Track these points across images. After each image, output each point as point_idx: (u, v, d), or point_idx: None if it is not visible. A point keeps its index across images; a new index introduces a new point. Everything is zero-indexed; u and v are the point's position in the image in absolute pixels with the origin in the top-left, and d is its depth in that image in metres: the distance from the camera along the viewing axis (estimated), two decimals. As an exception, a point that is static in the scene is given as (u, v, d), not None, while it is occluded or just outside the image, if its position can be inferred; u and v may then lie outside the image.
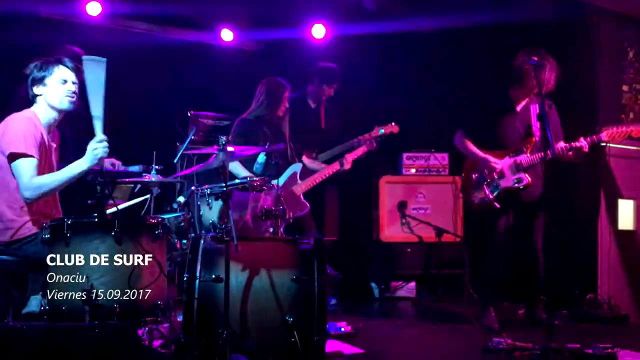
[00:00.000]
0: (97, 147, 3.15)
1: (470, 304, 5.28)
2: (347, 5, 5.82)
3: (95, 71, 3.16)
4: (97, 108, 3.17)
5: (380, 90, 6.21)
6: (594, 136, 4.27)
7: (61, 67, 3.37)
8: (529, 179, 4.38)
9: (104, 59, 3.23)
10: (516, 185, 4.41)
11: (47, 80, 3.35)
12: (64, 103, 3.36)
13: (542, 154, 4.28)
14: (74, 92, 3.38)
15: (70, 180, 3.25)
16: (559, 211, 5.12)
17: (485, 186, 4.49)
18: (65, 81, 3.36)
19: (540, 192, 4.44)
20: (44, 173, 3.25)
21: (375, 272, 6.04)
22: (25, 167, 3.16)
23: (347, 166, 5.08)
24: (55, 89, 3.35)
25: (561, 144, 4.28)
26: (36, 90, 3.36)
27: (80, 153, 4.38)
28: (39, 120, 3.34)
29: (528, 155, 4.40)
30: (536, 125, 4.44)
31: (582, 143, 4.23)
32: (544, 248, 4.53)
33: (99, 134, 3.15)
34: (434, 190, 6.02)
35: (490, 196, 4.45)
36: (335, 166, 5.07)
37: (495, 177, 4.46)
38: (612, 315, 4.73)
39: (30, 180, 3.15)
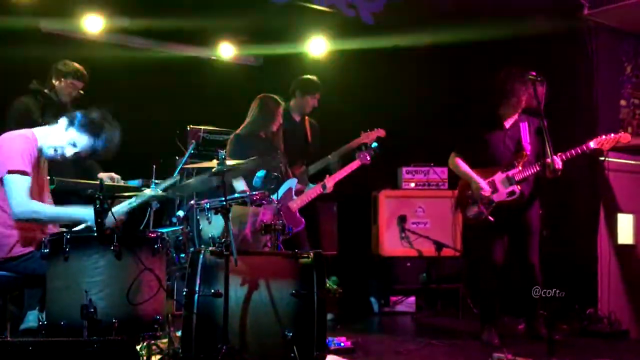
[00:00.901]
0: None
1: (470, 318, 5.26)
2: (346, 20, 5.86)
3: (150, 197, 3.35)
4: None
5: (379, 104, 6.22)
6: (584, 145, 4.29)
7: (88, 138, 3.34)
8: (521, 190, 4.40)
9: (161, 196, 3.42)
10: (509, 198, 4.43)
11: (70, 129, 3.33)
12: (48, 153, 3.35)
13: (534, 168, 4.35)
14: (64, 157, 3.36)
15: (65, 221, 3.31)
16: (559, 226, 5.11)
17: (479, 203, 4.51)
18: (73, 146, 3.35)
19: (533, 205, 4.46)
20: (33, 191, 3.24)
21: (374, 286, 6.03)
22: (19, 185, 3.14)
23: (329, 190, 5.06)
24: (59, 141, 3.34)
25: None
26: (62, 121, 3.34)
27: (78, 169, 4.39)
28: (36, 142, 3.32)
29: (520, 169, 4.42)
30: (526, 141, 4.50)
31: (555, 159, 4.23)
32: (544, 263, 4.53)
33: (121, 211, 3.27)
34: (433, 205, 6.02)
35: (485, 211, 4.47)
36: (318, 189, 5.04)
37: (489, 193, 4.47)
38: (612, 330, 4.71)
39: (28, 200, 3.14)
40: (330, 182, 5.04)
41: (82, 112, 3.38)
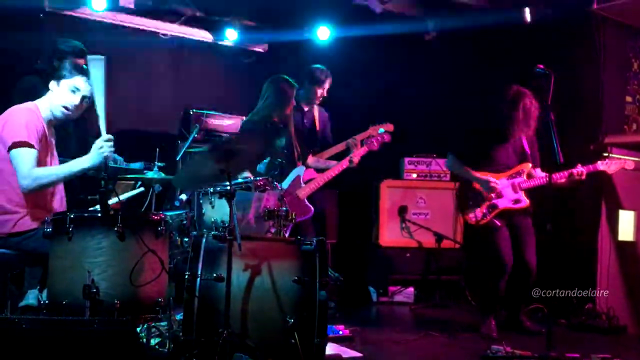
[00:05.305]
0: (102, 146, 3.14)
1: (468, 311, 5.27)
2: (353, 8, 5.81)
3: (96, 69, 3.18)
4: (100, 107, 3.18)
5: (383, 93, 6.20)
6: (590, 165, 4.40)
7: (81, 77, 3.35)
8: (527, 201, 4.49)
9: (103, 57, 3.22)
10: (515, 206, 4.49)
11: (62, 82, 3.33)
12: (59, 114, 3.35)
13: (541, 179, 4.42)
14: (76, 106, 3.35)
15: (71, 176, 3.26)
16: (560, 221, 5.11)
17: (483, 206, 4.52)
18: (75, 92, 3.34)
19: (531, 209, 4.53)
20: (42, 166, 3.23)
21: (373, 276, 6.03)
22: (25, 157, 3.14)
23: (356, 162, 5.03)
24: (62, 94, 3.33)
25: (562, 173, 4.34)
26: (51, 84, 3.35)
27: (84, 146, 4.38)
28: (40, 114, 3.32)
29: (525, 179, 4.49)
30: (528, 151, 4.55)
31: (580, 169, 4.34)
32: (544, 259, 4.55)
33: (105, 133, 3.15)
34: (434, 196, 6.01)
35: (488, 216, 4.49)
36: (345, 163, 5.01)
37: (494, 197, 4.49)
38: (611, 326, 4.72)
39: (30, 170, 3.14)
40: (357, 154, 5.01)
41: (65, 59, 3.44)
